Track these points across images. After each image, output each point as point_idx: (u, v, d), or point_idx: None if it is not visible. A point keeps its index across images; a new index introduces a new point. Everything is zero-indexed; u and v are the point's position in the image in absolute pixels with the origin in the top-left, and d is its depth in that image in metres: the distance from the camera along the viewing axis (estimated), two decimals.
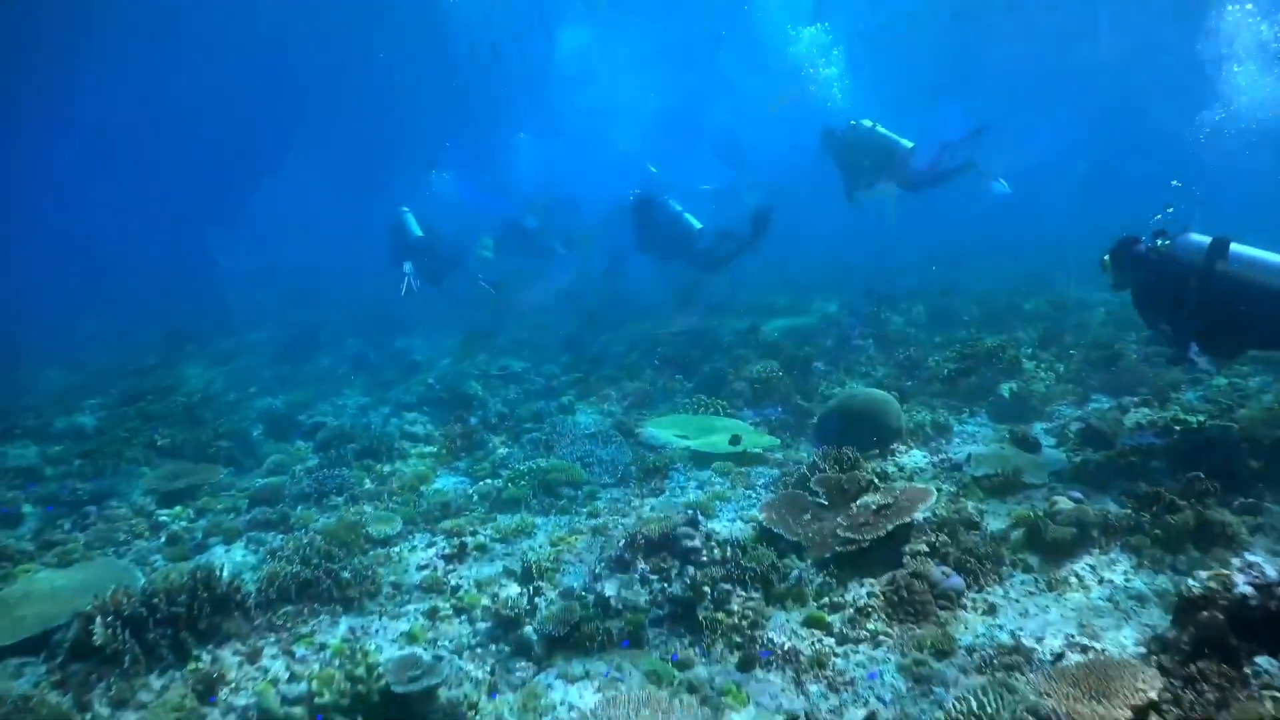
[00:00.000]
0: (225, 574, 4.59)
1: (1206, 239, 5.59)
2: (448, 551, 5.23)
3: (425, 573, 5.15)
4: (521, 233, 18.45)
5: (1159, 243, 5.80)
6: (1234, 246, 5.47)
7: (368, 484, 7.30)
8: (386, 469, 7.76)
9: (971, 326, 12.84)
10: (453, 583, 5.02)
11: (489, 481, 7.20)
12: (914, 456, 6.81)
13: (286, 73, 30.89)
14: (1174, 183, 6.87)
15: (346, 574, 4.82)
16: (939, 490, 5.97)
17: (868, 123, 10.67)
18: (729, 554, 4.63)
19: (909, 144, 10.48)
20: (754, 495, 6.41)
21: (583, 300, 19.42)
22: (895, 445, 6.92)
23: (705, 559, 4.64)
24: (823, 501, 5.37)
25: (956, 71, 37.47)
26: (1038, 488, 6.01)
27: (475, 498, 6.56)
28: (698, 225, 11.68)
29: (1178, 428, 6.49)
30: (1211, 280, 5.46)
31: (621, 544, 4.72)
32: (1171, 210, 6.27)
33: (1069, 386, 8.55)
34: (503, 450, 8.28)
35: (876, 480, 5.39)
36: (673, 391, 10.50)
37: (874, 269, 22.82)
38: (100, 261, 36.35)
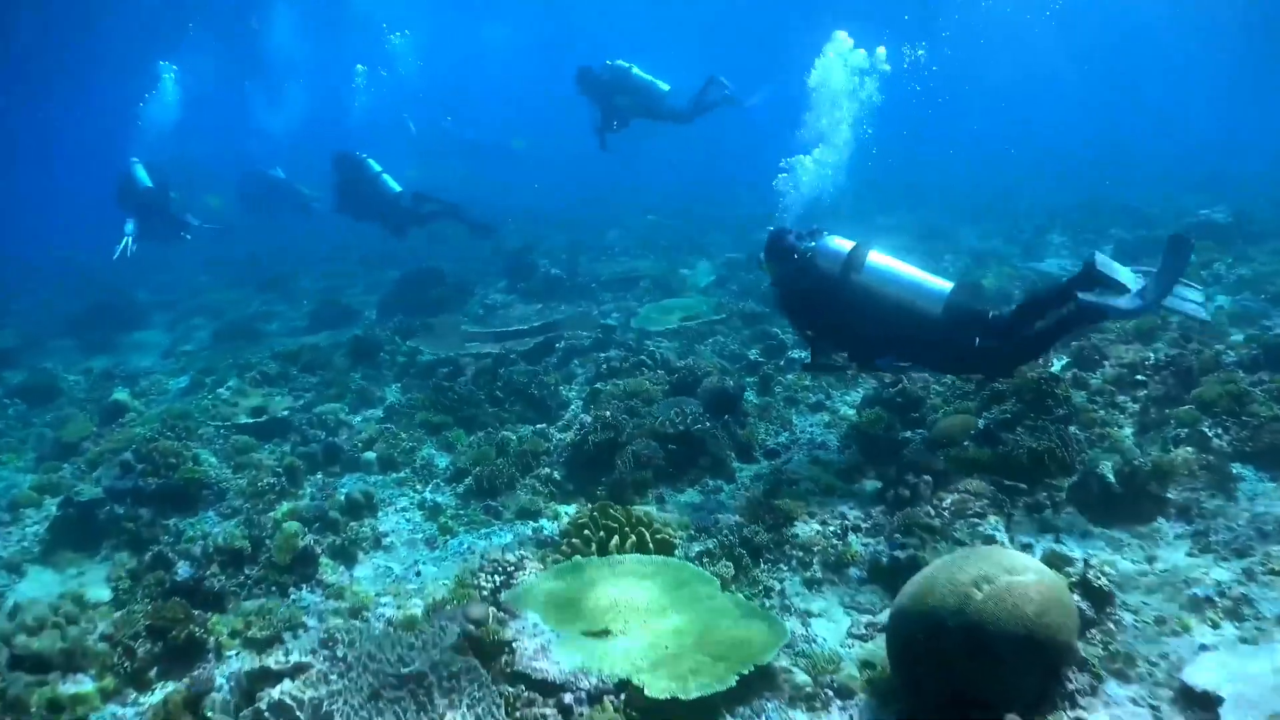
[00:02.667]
0: None
1: (849, 244, 5.35)
2: None
3: None
4: (270, 185, 15.64)
5: (805, 245, 5.47)
6: (872, 256, 5.29)
7: None
8: None
9: None
10: None
11: None
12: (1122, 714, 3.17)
13: None
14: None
15: None
16: None
17: (624, 64, 10.76)
18: None
19: (665, 86, 10.78)
20: None
21: (382, 270, 14.68)
22: (1069, 681, 3.27)
23: None
24: None
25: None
26: None
27: None
28: (396, 188, 11.71)
29: None
30: (846, 289, 5.26)
31: None
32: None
33: (1183, 451, 5.35)
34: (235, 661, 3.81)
35: None
36: (531, 458, 6.35)
37: (729, 218, 19.37)
38: None
